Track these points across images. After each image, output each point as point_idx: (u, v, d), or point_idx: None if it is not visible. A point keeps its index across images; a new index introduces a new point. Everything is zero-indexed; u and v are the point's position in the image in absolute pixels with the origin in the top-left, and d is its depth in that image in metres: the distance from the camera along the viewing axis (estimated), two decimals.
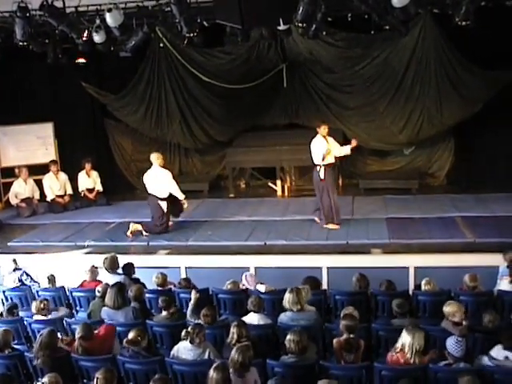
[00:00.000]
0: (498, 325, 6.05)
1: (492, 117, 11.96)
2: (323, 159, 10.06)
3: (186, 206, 10.74)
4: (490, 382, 5.14)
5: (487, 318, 6.11)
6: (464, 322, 6.10)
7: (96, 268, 8.26)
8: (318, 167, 10.22)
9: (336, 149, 10.33)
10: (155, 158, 10.54)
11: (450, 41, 11.57)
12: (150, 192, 10.60)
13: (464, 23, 9.35)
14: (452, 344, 5.42)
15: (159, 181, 10.47)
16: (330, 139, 10.30)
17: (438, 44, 11.67)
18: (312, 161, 10.32)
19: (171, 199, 10.56)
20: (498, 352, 5.49)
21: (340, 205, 10.43)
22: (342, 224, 10.38)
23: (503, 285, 7.30)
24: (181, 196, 10.55)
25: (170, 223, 10.88)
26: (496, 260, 7.92)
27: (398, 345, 5.63)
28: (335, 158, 10.39)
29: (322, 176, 10.17)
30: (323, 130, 10.19)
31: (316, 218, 10.59)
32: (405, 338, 5.58)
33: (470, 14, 9.19)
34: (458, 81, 11.90)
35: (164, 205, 10.51)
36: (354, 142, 10.42)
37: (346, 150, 10.44)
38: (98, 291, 7.39)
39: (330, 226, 10.26)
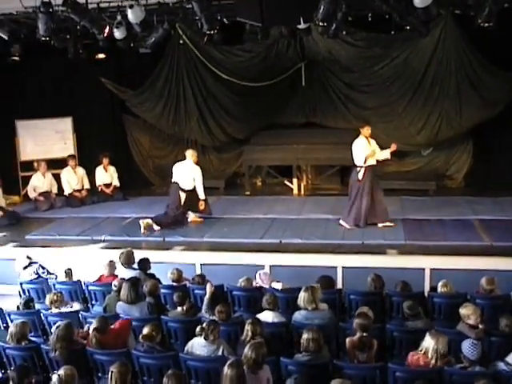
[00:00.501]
0: None
1: (510, 120, 11.87)
2: (365, 161, 9.98)
3: (202, 207, 10.89)
4: None
5: (504, 322, 6.06)
6: (480, 326, 6.07)
7: (114, 262, 8.30)
8: (357, 168, 10.14)
9: (377, 152, 10.21)
10: (190, 154, 11.01)
11: (471, 42, 11.50)
12: (174, 180, 10.86)
13: (486, 25, 9.28)
14: (468, 347, 5.39)
15: (189, 174, 10.83)
16: (372, 141, 10.22)
17: (459, 45, 11.61)
18: (352, 161, 10.25)
19: (191, 194, 10.71)
20: None
21: (368, 210, 10.19)
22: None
23: None
24: (202, 195, 10.80)
25: (195, 218, 11.10)
26: None
27: (422, 347, 5.60)
28: (376, 161, 10.26)
29: (360, 177, 10.09)
30: (366, 130, 10.14)
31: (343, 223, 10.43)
32: (428, 342, 5.54)
33: (492, 16, 9.11)
34: (478, 82, 11.83)
35: (183, 196, 10.72)
36: (393, 147, 10.25)
37: (385, 154, 10.30)
38: (115, 285, 7.44)
39: (347, 225, 10.24)
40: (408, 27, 10.65)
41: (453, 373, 5.37)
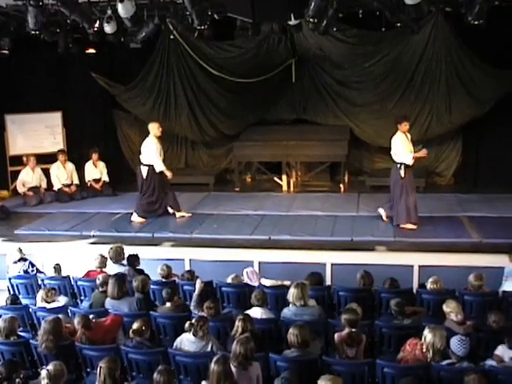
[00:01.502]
0: (503, 325, 6.03)
1: (501, 117, 11.94)
2: (413, 158, 9.70)
3: (169, 176, 10.88)
4: (494, 382, 5.13)
5: (492, 318, 6.10)
6: (468, 322, 6.11)
7: (105, 257, 8.27)
8: (398, 165, 9.88)
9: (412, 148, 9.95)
10: (151, 127, 10.80)
11: (462, 40, 11.53)
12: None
13: (477, 22, 9.32)
14: (456, 343, 5.42)
15: (147, 147, 10.75)
16: (409, 136, 9.99)
17: (449, 42, 11.64)
18: (392, 158, 10.04)
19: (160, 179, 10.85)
20: (503, 351, 5.50)
21: (417, 204, 9.97)
22: (347, 220, 10.42)
23: (508, 286, 7.29)
24: (159, 166, 10.71)
25: (180, 215, 11.04)
26: (502, 261, 7.92)
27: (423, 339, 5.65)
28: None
29: (402, 174, 9.81)
30: (404, 126, 9.83)
31: (383, 215, 10.30)
32: (426, 336, 5.59)
33: (483, 14, 9.16)
34: (468, 80, 11.87)
35: (144, 171, 10.74)
36: (423, 153, 10.02)
37: (421, 153, 9.97)
38: (98, 279, 7.39)
39: (409, 226, 9.90)
40: (399, 24, 10.68)
41: (441, 369, 5.40)
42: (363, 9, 10.48)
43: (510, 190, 11.77)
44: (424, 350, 5.60)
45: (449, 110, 12.21)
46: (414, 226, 9.93)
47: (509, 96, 11.53)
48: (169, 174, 10.83)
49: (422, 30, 11.39)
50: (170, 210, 11.10)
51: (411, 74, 12.34)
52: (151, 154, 10.67)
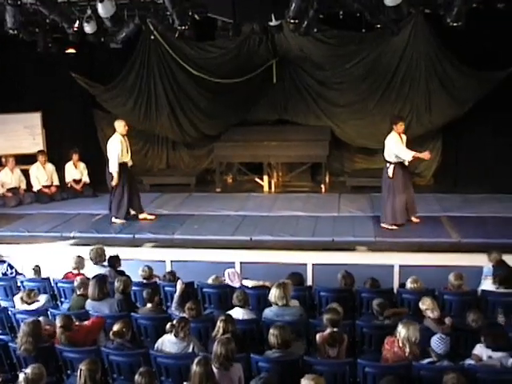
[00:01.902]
0: (482, 324, 6.09)
1: (479, 117, 12.05)
2: (414, 156, 9.67)
3: (113, 182, 10.56)
4: (473, 381, 5.17)
5: (471, 317, 6.16)
6: (447, 322, 6.16)
7: (81, 258, 8.21)
8: (387, 164, 9.93)
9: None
10: (117, 125, 10.62)
11: (441, 41, 11.61)
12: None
13: (455, 24, 9.41)
14: (436, 341, 5.46)
15: (109, 145, 10.63)
16: (404, 137, 9.96)
17: (429, 44, 11.72)
18: (384, 157, 10.06)
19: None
20: (481, 350, 5.55)
21: (410, 203, 10.01)
22: (328, 221, 10.46)
23: (486, 285, 7.35)
24: (111, 167, 10.50)
25: (145, 216, 10.98)
26: (481, 260, 7.98)
27: (396, 334, 5.71)
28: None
29: (390, 174, 9.86)
30: (399, 126, 9.79)
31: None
32: (400, 331, 5.64)
33: (461, 16, 9.24)
34: (447, 81, 11.96)
35: (110, 168, 10.53)
36: (426, 155, 9.89)
37: (423, 154, 9.83)
38: (76, 286, 7.31)
39: (389, 227, 9.96)
40: (379, 25, 10.74)
41: (421, 368, 5.43)
42: (343, 10, 10.51)
43: (489, 190, 11.90)
44: (401, 345, 5.64)
45: (429, 111, 12.30)
46: (395, 227, 9.99)
47: (487, 96, 11.64)
48: (115, 178, 10.51)
49: (402, 32, 11.47)
50: (132, 212, 10.99)
51: (391, 74, 12.42)
52: (111, 152, 10.51)
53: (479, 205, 11.15)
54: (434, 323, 6.18)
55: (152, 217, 11.04)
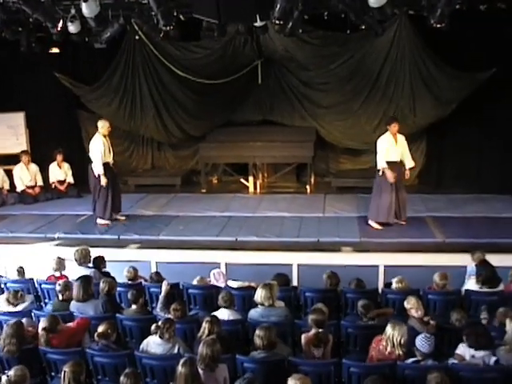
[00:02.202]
0: (465, 323, 6.13)
1: (462, 118, 12.11)
2: (382, 170, 9.90)
3: (103, 183, 10.52)
4: (457, 380, 5.20)
5: (455, 316, 6.21)
6: (431, 322, 6.19)
7: (62, 259, 8.14)
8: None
9: (406, 149, 10.15)
10: (101, 125, 10.60)
11: (425, 42, 11.66)
12: None
13: (439, 25, 9.47)
14: (420, 339, 5.48)
15: (91, 145, 10.62)
16: (401, 138, 10.09)
17: (413, 45, 11.76)
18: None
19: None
20: (463, 350, 5.58)
21: (389, 207, 10.04)
22: (314, 221, 10.49)
23: (470, 284, 7.40)
24: (97, 168, 10.47)
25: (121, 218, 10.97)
26: (465, 260, 8.02)
27: (384, 335, 5.74)
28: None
29: (380, 173, 10.02)
30: (393, 127, 9.95)
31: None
32: (388, 332, 5.68)
33: (444, 17, 9.30)
34: (431, 81, 12.00)
35: (96, 170, 10.49)
36: (390, 177, 9.90)
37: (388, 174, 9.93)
38: (59, 284, 7.22)
39: (375, 225, 10.14)
40: (363, 26, 10.78)
41: (406, 367, 5.46)
42: (328, 11, 10.54)
43: (472, 191, 12.01)
44: (385, 344, 5.68)
45: (413, 111, 12.34)
46: (380, 227, 10.07)
47: (471, 97, 11.71)
48: (103, 180, 10.49)
49: (387, 33, 11.51)
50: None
51: (376, 75, 12.45)
52: (94, 153, 10.49)
53: (463, 205, 11.24)
54: (418, 323, 6.21)
55: (123, 218, 11.02)
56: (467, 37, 11.31)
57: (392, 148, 10.00)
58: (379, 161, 9.96)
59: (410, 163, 10.27)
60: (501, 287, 7.21)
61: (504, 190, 11.72)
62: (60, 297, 7.18)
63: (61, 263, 8.10)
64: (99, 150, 10.38)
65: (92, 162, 10.58)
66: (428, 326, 6.09)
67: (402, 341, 5.60)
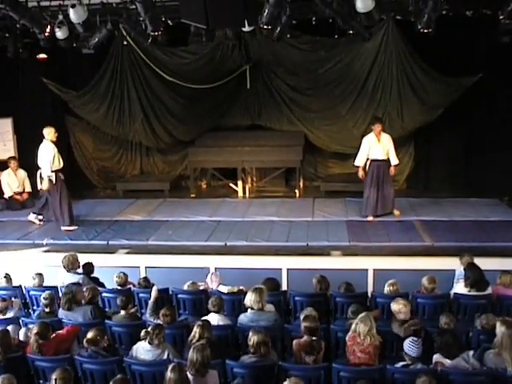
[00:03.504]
0: (454, 326, 6.16)
1: (450, 123, 12.19)
2: (357, 167, 10.85)
3: (44, 186, 10.65)
4: (445, 383, 5.23)
5: (443, 320, 6.21)
6: (412, 327, 6.17)
7: (41, 275, 8.07)
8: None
9: (390, 148, 10.75)
10: (46, 132, 10.69)
11: (413, 47, 11.72)
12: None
13: (426, 31, 9.53)
14: (408, 344, 5.50)
15: (41, 153, 10.65)
16: (386, 137, 10.78)
17: (400, 50, 11.80)
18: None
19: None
20: (440, 358, 5.60)
21: (372, 201, 10.81)
22: (303, 226, 10.51)
23: (459, 288, 7.43)
24: (45, 171, 10.55)
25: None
26: (453, 263, 8.06)
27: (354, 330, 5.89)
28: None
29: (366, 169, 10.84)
30: (376, 128, 10.72)
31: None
32: (358, 327, 5.83)
33: (431, 22, 9.35)
34: (418, 86, 12.05)
35: (52, 177, 10.58)
36: (361, 175, 10.94)
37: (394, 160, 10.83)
38: (44, 298, 7.10)
39: (369, 218, 10.80)
40: (351, 31, 10.82)
41: (395, 371, 5.48)
42: (316, 16, 10.58)
43: (460, 194, 12.06)
44: (362, 338, 5.79)
45: (401, 116, 12.39)
46: (370, 218, 10.77)
47: (458, 102, 11.79)
48: (46, 183, 10.57)
49: (374, 38, 11.56)
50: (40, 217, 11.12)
51: (363, 80, 12.49)
52: (45, 159, 10.53)
53: (451, 209, 11.30)
54: (397, 324, 6.22)
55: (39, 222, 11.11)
56: (454, 42, 11.37)
57: (374, 147, 10.69)
58: (357, 159, 10.91)
59: (394, 161, 10.84)
60: (489, 290, 7.25)
61: (491, 194, 11.79)
62: (46, 309, 7.12)
63: (40, 279, 8.01)
64: (48, 157, 10.50)
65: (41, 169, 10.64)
66: (405, 327, 6.09)
67: (373, 328, 5.76)
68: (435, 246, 9.46)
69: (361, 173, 10.88)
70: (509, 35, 9.98)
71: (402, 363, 5.57)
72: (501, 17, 9.48)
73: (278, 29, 10.29)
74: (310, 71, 12.99)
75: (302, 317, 6.30)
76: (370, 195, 10.79)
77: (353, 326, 5.96)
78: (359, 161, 10.86)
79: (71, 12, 8.89)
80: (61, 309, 6.97)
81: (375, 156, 10.75)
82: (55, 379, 5.10)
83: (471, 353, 5.67)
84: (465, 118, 12.14)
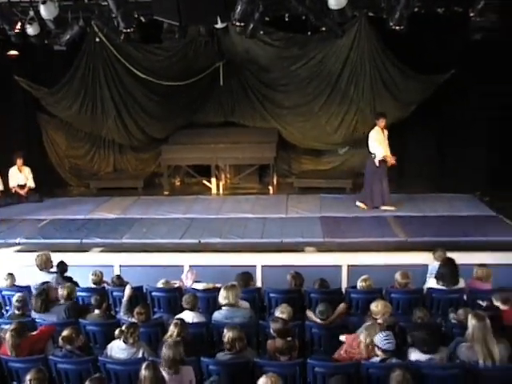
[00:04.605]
0: (428, 321, 6.22)
1: (423, 119, 12.30)
2: (384, 156, 10.90)
3: None
4: (419, 377, 5.28)
5: (417, 314, 6.27)
6: (380, 320, 6.21)
7: (12, 275, 7.99)
8: (373, 155, 11.01)
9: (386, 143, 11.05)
10: None
11: (385, 44, 11.80)
12: None
13: (398, 28, 9.60)
14: (381, 338, 5.52)
15: None
16: (386, 132, 11.06)
17: (373, 46, 11.89)
18: (368, 149, 11.12)
19: None
20: (415, 355, 5.65)
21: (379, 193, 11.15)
22: (277, 222, 10.54)
23: (431, 282, 7.50)
24: None
25: None
26: (427, 259, 8.14)
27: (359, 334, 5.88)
28: None
29: (377, 163, 10.94)
30: (381, 122, 10.94)
31: (361, 204, 11.29)
32: (361, 333, 5.81)
33: (403, 19, 9.43)
34: (391, 83, 12.16)
35: None
36: (391, 161, 11.06)
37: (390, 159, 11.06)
38: (17, 301, 7.00)
39: (387, 207, 11.09)
40: (324, 28, 10.87)
41: (370, 366, 5.51)
42: (289, 13, 10.60)
43: (433, 190, 12.18)
44: (357, 342, 5.79)
45: (373, 112, 12.45)
46: (392, 208, 11.07)
47: (430, 98, 11.90)
48: None
49: (347, 34, 11.62)
50: None
51: (336, 77, 12.55)
52: None
53: (423, 204, 11.41)
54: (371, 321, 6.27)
55: None
56: (426, 39, 11.50)
57: (383, 141, 10.95)
58: (379, 150, 10.92)
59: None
60: (461, 285, 7.33)
61: (464, 189, 11.92)
62: (17, 312, 7.03)
63: (11, 279, 7.93)
64: None
65: None
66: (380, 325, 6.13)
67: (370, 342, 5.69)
68: (409, 241, 9.53)
69: (389, 158, 11.00)
70: (480, 32, 10.11)
71: (376, 358, 5.61)
72: (471, 14, 9.60)
73: (251, 25, 10.30)
74: (283, 68, 13.01)
75: (272, 319, 6.23)
76: (385, 186, 11.09)
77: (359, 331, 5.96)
78: (382, 151, 10.95)
79: (42, 8, 8.80)
80: (33, 311, 6.89)
81: (384, 151, 10.98)
82: (29, 380, 5.04)
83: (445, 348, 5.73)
84: (437, 114, 12.29)
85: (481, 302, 6.69)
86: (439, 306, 7.19)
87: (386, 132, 11.06)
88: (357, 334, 5.96)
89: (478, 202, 11.51)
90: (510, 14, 9.63)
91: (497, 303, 6.56)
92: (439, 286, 7.32)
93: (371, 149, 11.00)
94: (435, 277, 7.41)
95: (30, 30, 9.61)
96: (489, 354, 5.43)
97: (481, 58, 11.16)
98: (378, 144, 10.91)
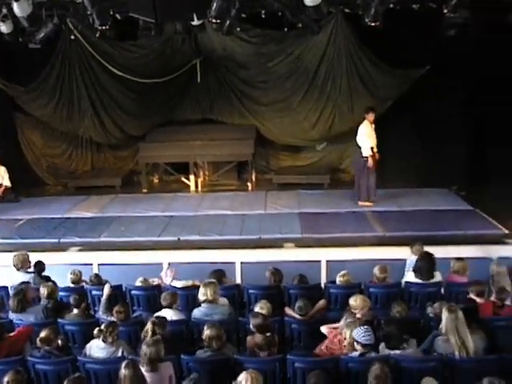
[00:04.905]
0: (406, 315, 6.28)
1: (401, 114, 12.38)
2: (371, 150, 10.92)
3: None
4: (397, 370, 5.33)
5: (395, 308, 6.31)
6: (358, 315, 6.25)
7: None
8: (361, 148, 10.95)
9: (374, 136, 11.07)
10: None
11: (362, 40, 11.87)
12: None
13: (373, 24, 9.66)
14: (360, 333, 5.56)
15: None
16: (373, 127, 11.05)
17: (349, 43, 11.96)
18: (356, 143, 11.07)
19: None
20: (384, 351, 5.72)
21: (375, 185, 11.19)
22: (255, 219, 10.56)
23: (409, 277, 7.56)
24: None
25: None
26: (405, 253, 8.20)
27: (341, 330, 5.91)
28: None
29: (364, 158, 10.94)
30: (370, 116, 10.97)
31: (364, 203, 11.20)
32: (343, 329, 5.84)
33: (379, 16, 9.50)
34: (368, 79, 12.23)
35: None
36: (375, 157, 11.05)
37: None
38: None
39: (366, 203, 11.06)
40: (300, 25, 10.89)
41: (349, 360, 5.55)
42: (265, 9, 10.62)
43: (411, 185, 12.27)
44: (345, 342, 5.81)
45: (351, 108, 12.56)
46: (371, 204, 11.07)
47: (406, 94, 11.99)
48: None
49: (323, 31, 11.67)
50: None
51: (313, 73, 12.61)
52: None
53: (402, 199, 11.49)
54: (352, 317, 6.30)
55: None
56: (401, 35, 11.54)
57: (372, 135, 10.94)
58: (365, 149, 10.89)
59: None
60: (438, 278, 7.39)
61: (441, 184, 12.02)
62: None
63: None
64: None
65: None
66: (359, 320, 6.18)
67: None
68: (387, 236, 9.60)
69: (371, 161, 10.94)
70: (453, 28, 10.21)
71: (356, 353, 5.64)
72: (445, 10, 9.68)
73: (228, 22, 10.32)
74: (260, 64, 13.04)
75: (251, 315, 6.26)
76: (372, 179, 11.09)
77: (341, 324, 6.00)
78: (368, 151, 10.91)
79: (15, 6, 8.72)
80: (10, 311, 6.84)
81: (373, 144, 11.02)
82: (7, 382, 4.99)
83: (414, 341, 5.78)
84: (413, 109, 12.36)
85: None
86: (417, 299, 7.26)
87: (373, 126, 11.10)
88: (337, 330, 5.98)
89: (454, 197, 11.63)
90: (482, 10, 9.74)
91: (472, 296, 6.65)
92: (417, 280, 7.38)
93: (359, 142, 10.96)
94: (413, 270, 7.47)
95: (4, 28, 9.52)
96: (462, 345, 5.52)
97: (455, 53, 11.24)
98: (367, 138, 10.90)
